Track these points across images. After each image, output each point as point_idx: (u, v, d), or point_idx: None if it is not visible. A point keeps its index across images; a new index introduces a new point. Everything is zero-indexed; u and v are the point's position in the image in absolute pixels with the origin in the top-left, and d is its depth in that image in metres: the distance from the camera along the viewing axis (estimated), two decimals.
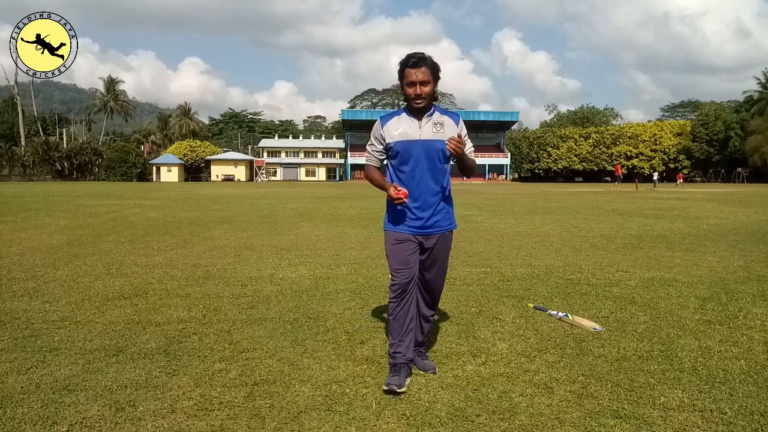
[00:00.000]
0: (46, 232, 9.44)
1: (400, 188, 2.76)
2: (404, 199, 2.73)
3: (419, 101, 2.76)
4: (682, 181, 47.91)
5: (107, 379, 2.82)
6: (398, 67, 2.82)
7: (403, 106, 2.95)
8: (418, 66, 2.74)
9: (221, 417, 2.41)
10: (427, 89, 2.75)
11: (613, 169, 55.69)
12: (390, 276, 2.86)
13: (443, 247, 2.94)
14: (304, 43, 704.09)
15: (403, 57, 2.80)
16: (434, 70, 2.77)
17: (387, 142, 2.87)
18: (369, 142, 3.00)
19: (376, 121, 2.97)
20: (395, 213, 2.88)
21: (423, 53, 2.78)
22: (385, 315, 4.06)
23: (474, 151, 2.95)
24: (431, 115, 2.84)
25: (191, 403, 2.54)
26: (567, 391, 2.68)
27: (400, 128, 2.83)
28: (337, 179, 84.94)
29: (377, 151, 2.96)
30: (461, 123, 2.90)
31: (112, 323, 3.84)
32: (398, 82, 2.85)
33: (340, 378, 2.86)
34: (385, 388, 2.66)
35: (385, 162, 3.02)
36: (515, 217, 13.08)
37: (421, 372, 2.95)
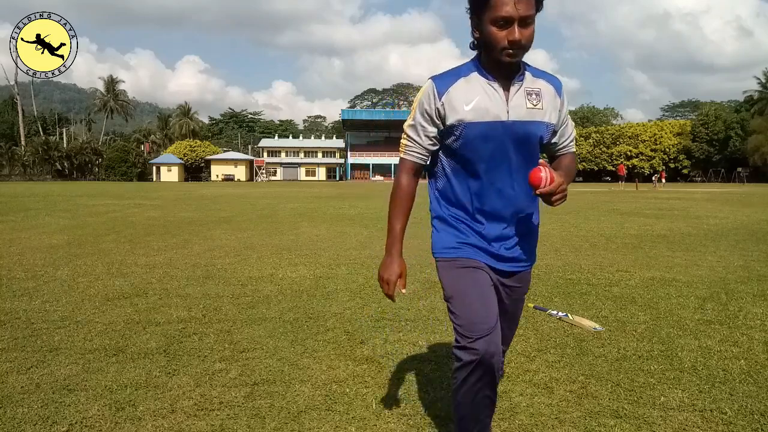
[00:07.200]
0: (46, 232, 9.44)
1: (401, 277, 1.83)
2: (392, 294, 1.82)
3: (514, 53, 1.62)
4: (657, 181, 43.47)
5: (107, 378, 2.82)
6: None
7: (471, 59, 1.78)
8: None
9: (221, 417, 2.41)
10: (528, 32, 1.61)
11: (615, 168, 55.45)
12: (457, 334, 1.73)
13: (522, 292, 1.98)
14: (302, 42, 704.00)
15: None
16: None
17: (450, 121, 1.72)
18: (409, 121, 1.81)
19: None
20: (457, 229, 1.82)
21: None
22: (385, 315, 4.06)
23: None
24: (522, 77, 1.73)
25: (191, 403, 2.54)
26: (567, 391, 2.68)
27: (475, 99, 1.70)
28: (338, 179, 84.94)
29: (427, 137, 1.78)
30: (563, 92, 1.84)
31: (112, 323, 3.84)
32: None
33: (340, 378, 2.86)
34: None
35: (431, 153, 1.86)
36: None
37: (421, 371, 2.95)
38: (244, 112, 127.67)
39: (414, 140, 1.80)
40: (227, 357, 3.17)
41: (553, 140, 1.87)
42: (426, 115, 1.75)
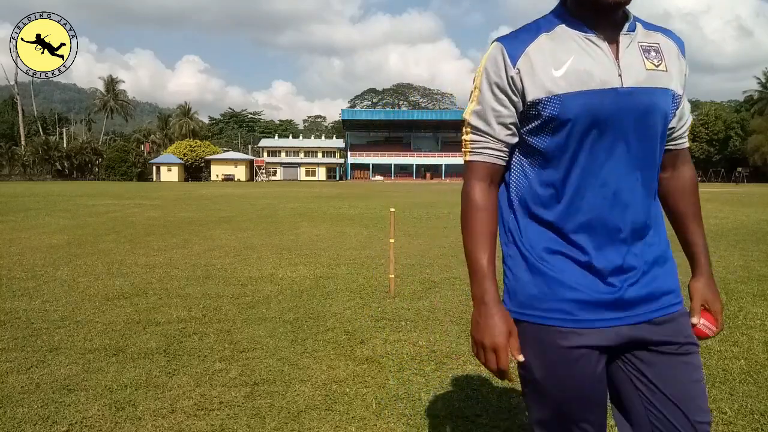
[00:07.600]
0: (46, 232, 9.45)
1: (512, 336, 1.14)
2: (505, 368, 1.16)
3: None
4: None
5: (107, 378, 2.82)
6: None
7: (552, 10, 1.20)
8: None
9: (221, 417, 2.41)
10: None
11: None
12: None
13: (687, 344, 1.19)
14: (302, 42, 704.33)
15: None
16: None
17: (532, 97, 1.12)
18: (472, 106, 1.19)
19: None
20: (550, 272, 1.14)
21: None
22: (385, 315, 4.06)
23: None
24: (633, 27, 1.16)
25: (191, 403, 2.54)
26: None
27: (569, 60, 1.11)
28: (338, 179, 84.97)
29: (503, 125, 1.16)
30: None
31: (112, 323, 3.84)
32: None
33: (340, 378, 2.86)
34: None
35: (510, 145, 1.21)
36: None
37: (421, 371, 2.95)
38: (244, 112, 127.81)
39: (483, 133, 1.17)
40: (227, 357, 3.17)
41: (671, 123, 1.22)
42: (498, 91, 1.14)
